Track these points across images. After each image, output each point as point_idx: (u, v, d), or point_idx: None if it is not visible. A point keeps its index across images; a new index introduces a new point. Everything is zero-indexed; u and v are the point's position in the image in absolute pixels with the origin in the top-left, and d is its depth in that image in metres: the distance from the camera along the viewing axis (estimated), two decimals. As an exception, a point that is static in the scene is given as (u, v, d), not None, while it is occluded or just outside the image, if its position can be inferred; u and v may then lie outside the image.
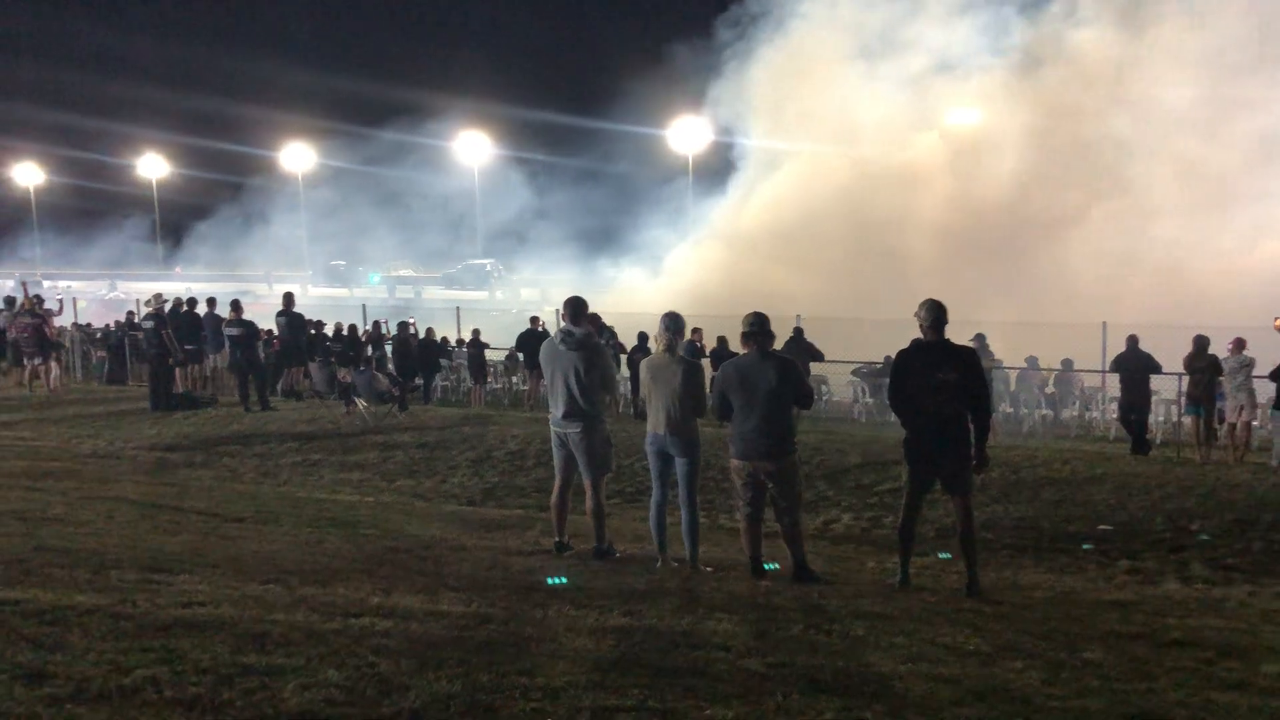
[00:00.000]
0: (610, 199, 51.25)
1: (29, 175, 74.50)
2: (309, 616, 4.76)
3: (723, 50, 42.50)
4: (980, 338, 15.13)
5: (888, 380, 7.35)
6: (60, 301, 22.55)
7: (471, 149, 61.13)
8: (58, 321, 20.71)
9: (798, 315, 18.06)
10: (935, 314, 6.61)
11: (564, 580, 6.28)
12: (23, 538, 6.54)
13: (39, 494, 9.03)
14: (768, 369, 6.67)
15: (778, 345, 7.43)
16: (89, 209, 76.98)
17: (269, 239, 65.57)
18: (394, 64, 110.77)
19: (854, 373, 19.28)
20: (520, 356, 20.65)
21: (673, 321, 7.12)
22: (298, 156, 66.89)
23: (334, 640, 4.34)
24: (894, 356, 7.19)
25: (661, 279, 38.50)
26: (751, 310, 6.85)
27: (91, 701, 3.41)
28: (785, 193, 39.67)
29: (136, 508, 8.60)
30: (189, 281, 52.39)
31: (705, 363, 12.06)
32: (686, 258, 39.84)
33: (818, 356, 17.38)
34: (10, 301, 20.91)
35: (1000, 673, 4.65)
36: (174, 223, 73.03)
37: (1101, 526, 9.69)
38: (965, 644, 5.21)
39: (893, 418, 16.41)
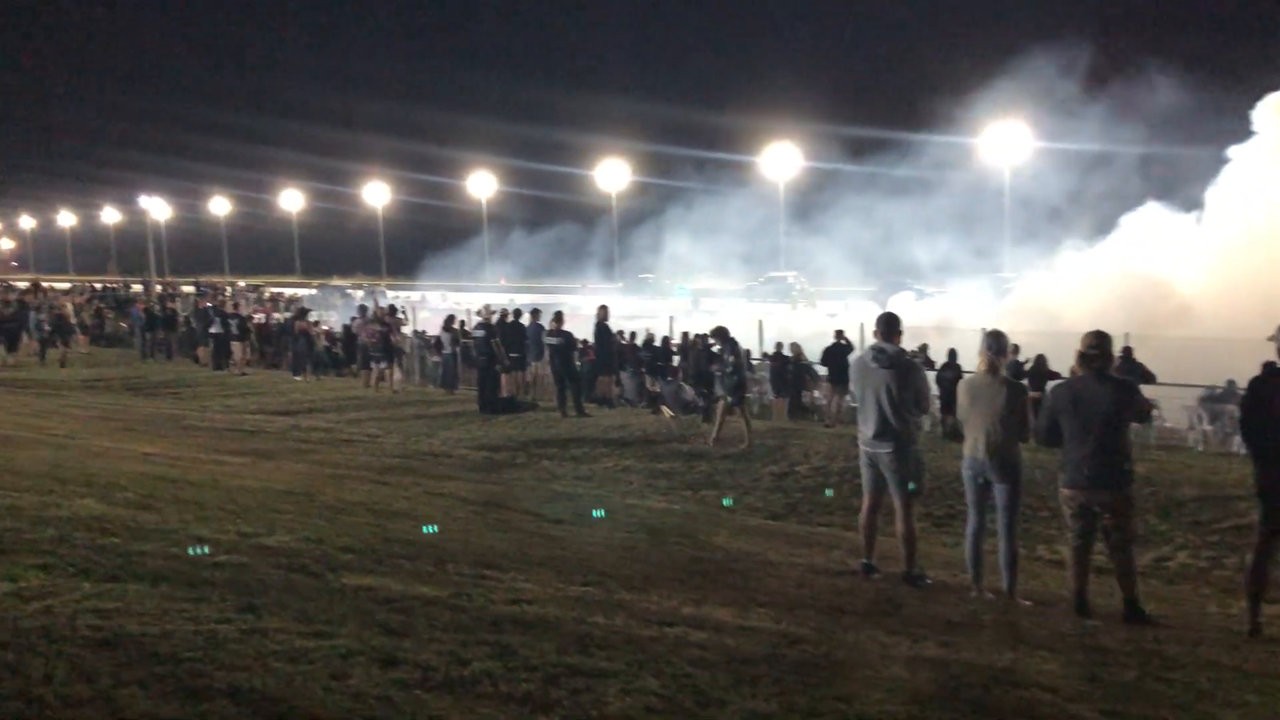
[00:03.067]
0: (923, 211, 49.78)
1: (378, 195, 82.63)
2: (627, 622, 4.91)
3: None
4: None
5: (1233, 407, 6.68)
6: (404, 311, 24.76)
7: (777, 162, 61.37)
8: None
9: (1126, 334, 16.80)
10: None
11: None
12: (372, 528, 7.18)
13: (385, 488, 9.91)
14: (1105, 392, 6.22)
15: None
16: (427, 224, 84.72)
17: (583, 253, 69.13)
18: (704, 84, 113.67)
19: (1201, 400, 17.67)
20: (822, 371, 20.50)
21: (995, 340, 6.80)
22: (612, 174, 69.81)
23: (651, 647, 4.46)
24: (1247, 383, 6.50)
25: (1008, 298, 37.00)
26: (1093, 330, 6.42)
27: (436, 689, 3.67)
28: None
29: (468, 505, 9.25)
30: (512, 293, 55.88)
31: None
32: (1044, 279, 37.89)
33: (1149, 378, 16.09)
34: (363, 310, 23.20)
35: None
36: (500, 237, 78.48)
37: None
38: (1336, 712, 4.63)
39: (1236, 447, 15.06)
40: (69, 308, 32.15)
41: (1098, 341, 6.33)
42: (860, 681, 4.31)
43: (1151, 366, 16.64)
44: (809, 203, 57.19)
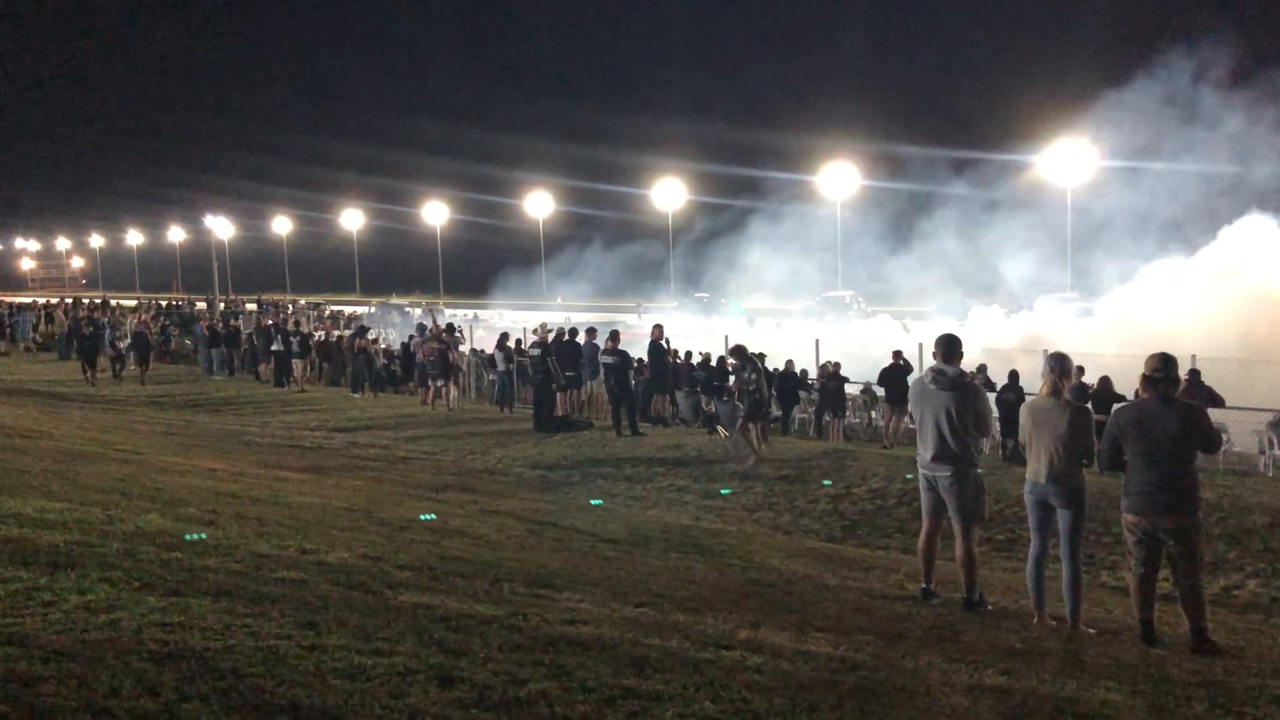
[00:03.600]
0: (982, 230, 49.24)
1: (438, 215, 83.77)
2: (682, 644, 4.89)
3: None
4: None
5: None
6: (460, 330, 24.97)
7: (835, 182, 61.12)
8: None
9: (1193, 356, 16.44)
10: None
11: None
12: (429, 545, 7.24)
13: (441, 505, 9.98)
14: (1171, 416, 6.08)
15: None
16: (485, 243, 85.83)
17: (641, 271, 69.35)
18: (758, 103, 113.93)
19: (1271, 424, 17.21)
20: (880, 391, 20.32)
21: (1059, 362, 6.69)
22: (669, 194, 70.02)
23: (707, 670, 4.43)
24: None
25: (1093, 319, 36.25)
26: (1158, 352, 6.29)
27: (493, 709, 3.67)
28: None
29: (524, 523, 9.28)
30: (568, 311, 56.14)
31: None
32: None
33: (1218, 402, 15.72)
34: (422, 329, 23.45)
35: None
36: (557, 256, 79.10)
37: None
38: None
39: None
40: (151, 326, 32.91)
41: (1162, 364, 6.20)
42: (919, 709, 4.25)
43: (1221, 390, 16.27)
44: (878, 222, 56.82)
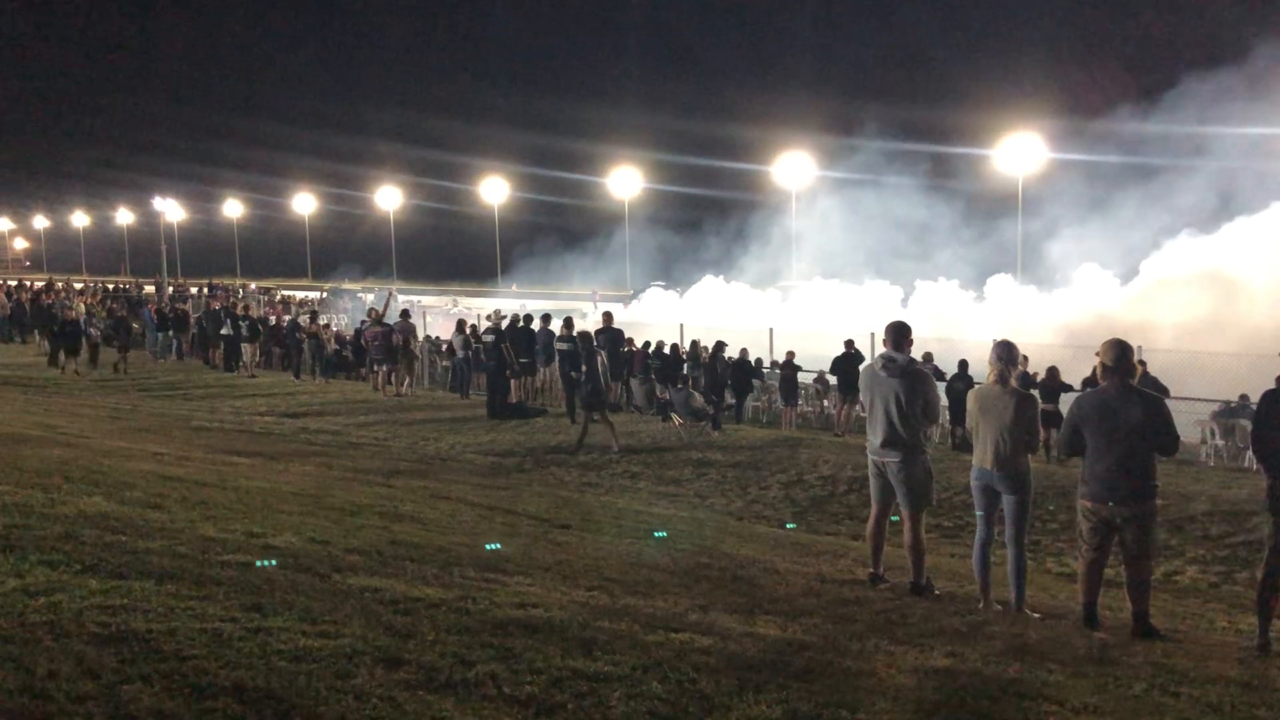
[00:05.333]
0: (934, 218, 49.68)
1: (391, 200, 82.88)
2: (632, 627, 4.90)
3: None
4: None
5: (1245, 422, 6.61)
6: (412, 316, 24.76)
7: (791, 172, 61.31)
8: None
9: (1138, 346, 16.72)
10: None
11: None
12: (379, 531, 7.19)
13: (392, 491, 9.92)
14: (1131, 404, 6.17)
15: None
16: (438, 228, 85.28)
17: (596, 260, 69.25)
18: (715, 92, 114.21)
19: (1214, 415, 17.57)
20: (832, 380, 20.49)
21: (1006, 350, 6.77)
22: (624, 181, 69.85)
23: (656, 652, 4.45)
24: (1260, 397, 6.45)
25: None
26: (1111, 338, 6.38)
27: (439, 690, 3.67)
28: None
29: (475, 509, 9.25)
30: (523, 299, 55.89)
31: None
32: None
33: (1163, 392, 16.00)
34: (371, 313, 23.24)
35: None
36: (511, 243, 78.77)
37: None
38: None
39: (1248, 463, 14.98)
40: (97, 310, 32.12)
41: (1120, 351, 6.28)
42: (866, 690, 4.30)
43: (1165, 380, 16.56)
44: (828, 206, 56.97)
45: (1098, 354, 6.46)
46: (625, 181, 69.68)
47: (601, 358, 15.26)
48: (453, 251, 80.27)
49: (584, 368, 15.09)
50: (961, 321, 34.90)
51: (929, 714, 4.03)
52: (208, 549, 5.52)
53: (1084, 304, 35.55)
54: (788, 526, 10.89)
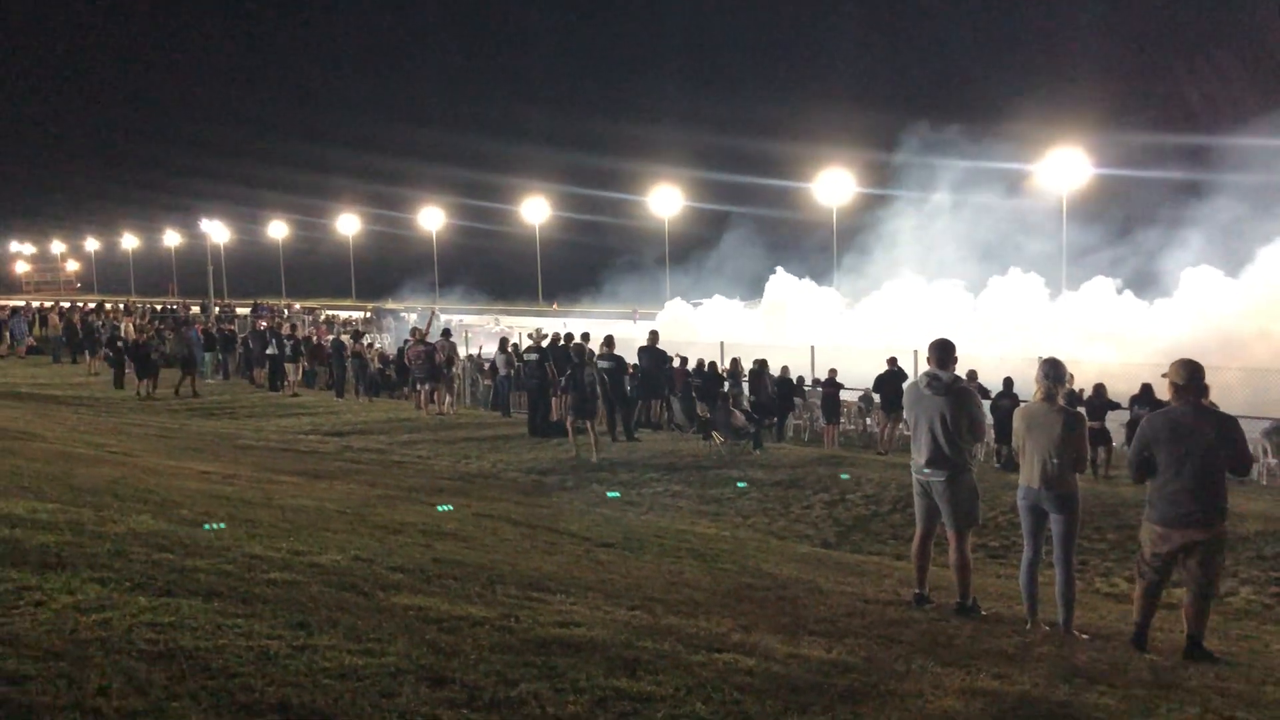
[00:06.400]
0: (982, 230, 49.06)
1: (434, 220, 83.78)
2: (675, 646, 4.88)
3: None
4: None
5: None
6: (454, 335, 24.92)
7: (831, 189, 61.17)
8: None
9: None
10: None
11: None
12: (423, 549, 7.22)
13: (434, 509, 9.96)
14: (1205, 425, 6.05)
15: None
16: (480, 248, 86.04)
17: (634, 277, 69.45)
18: (753, 110, 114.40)
19: (1264, 432, 17.22)
20: (875, 398, 20.34)
21: (1053, 368, 6.69)
22: (664, 199, 70.08)
23: (700, 672, 4.42)
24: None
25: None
26: (1181, 358, 6.26)
27: (483, 709, 3.66)
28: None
29: (517, 528, 9.26)
30: (565, 317, 56.06)
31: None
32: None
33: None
34: (415, 332, 23.44)
35: None
36: (552, 262, 79.25)
37: None
38: None
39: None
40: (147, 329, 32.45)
41: (1189, 372, 6.16)
42: (912, 712, 4.24)
43: (1218, 398, 16.29)
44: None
45: (1165, 374, 6.36)
46: (665, 199, 69.93)
47: (594, 370, 16.35)
48: (494, 270, 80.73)
49: (570, 378, 15.96)
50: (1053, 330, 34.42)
51: (977, 737, 3.97)
52: (254, 566, 5.58)
53: (1192, 313, 34.57)
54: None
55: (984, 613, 7.07)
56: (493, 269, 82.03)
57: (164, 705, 3.31)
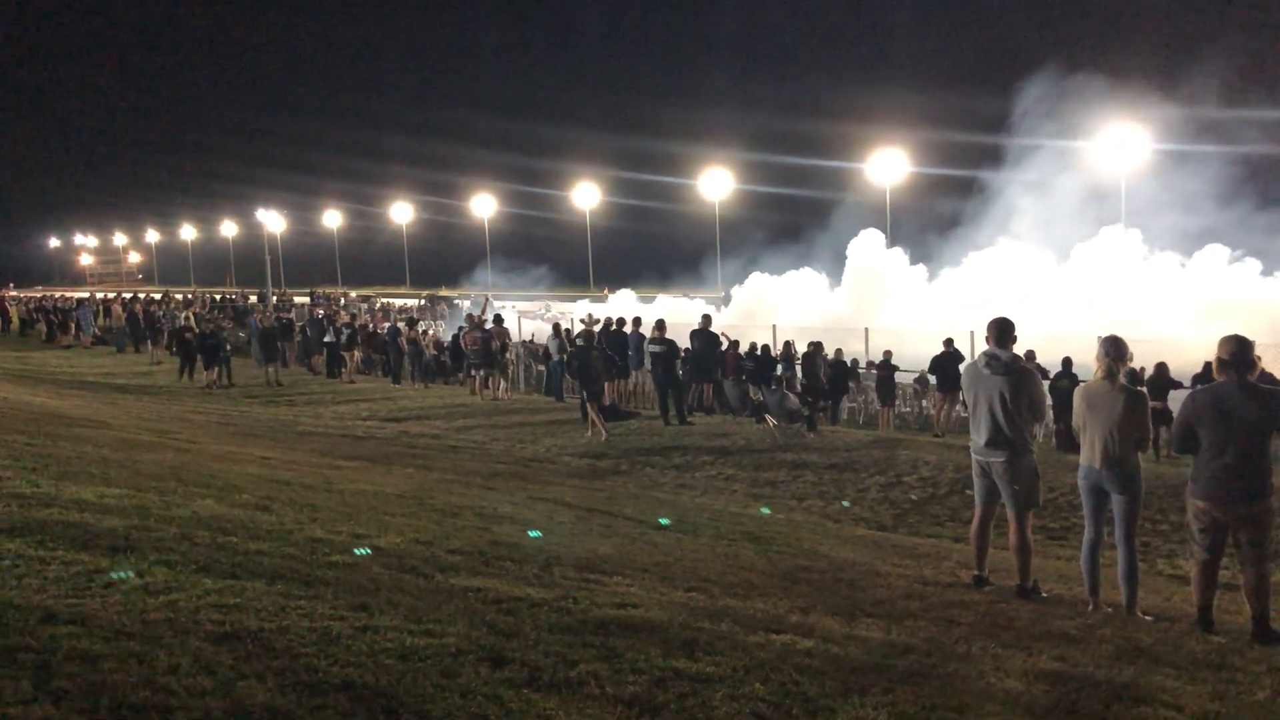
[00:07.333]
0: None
1: (486, 207, 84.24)
2: (732, 628, 4.88)
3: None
4: None
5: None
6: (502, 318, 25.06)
7: (886, 167, 60.47)
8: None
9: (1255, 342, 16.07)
10: None
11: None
12: (480, 531, 7.28)
13: (492, 493, 10.04)
14: (1249, 400, 5.93)
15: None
16: (532, 235, 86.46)
17: (687, 261, 69.31)
18: (803, 92, 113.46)
19: None
20: (932, 379, 20.13)
21: (1114, 346, 6.56)
22: (716, 183, 69.79)
23: (758, 654, 4.42)
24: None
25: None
26: (1231, 334, 6.12)
27: (543, 689, 3.69)
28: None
29: (572, 511, 9.31)
30: (616, 302, 56.05)
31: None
32: None
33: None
34: (470, 319, 23.60)
35: None
36: (603, 247, 79.36)
37: None
38: None
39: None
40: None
41: (1238, 347, 6.03)
42: (973, 693, 4.20)
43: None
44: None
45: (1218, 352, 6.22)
46: (716, 183, 69.57)
47: (602, 352, 17.13)
48: (548, 256, 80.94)
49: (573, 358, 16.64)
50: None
51: (1039, 717, 3.92)
52: (315, 550, 5.66)
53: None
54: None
55: (1044, 594, 6.97)
56: (546, 254, 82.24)
57: (232, 684, 3.38)
